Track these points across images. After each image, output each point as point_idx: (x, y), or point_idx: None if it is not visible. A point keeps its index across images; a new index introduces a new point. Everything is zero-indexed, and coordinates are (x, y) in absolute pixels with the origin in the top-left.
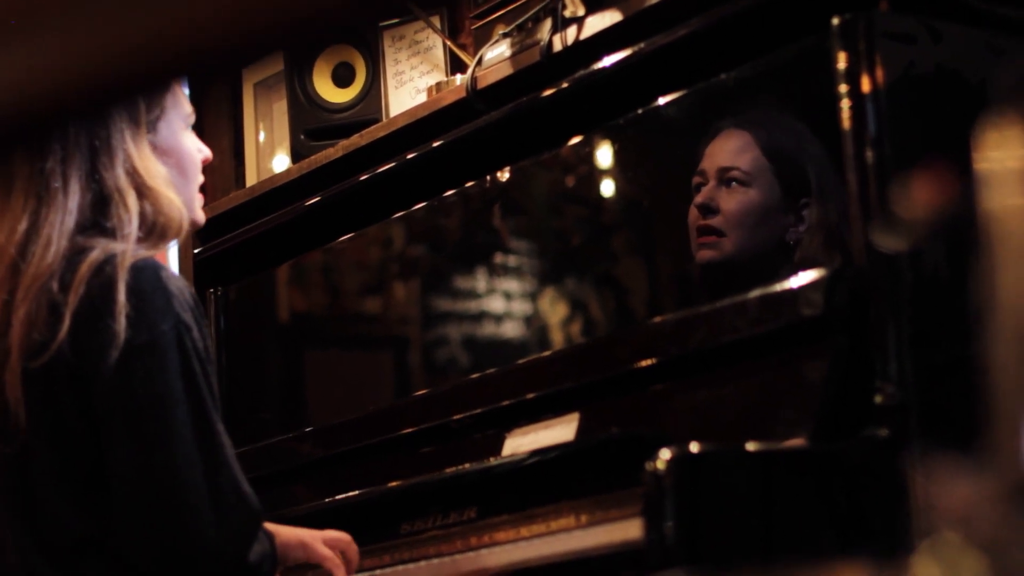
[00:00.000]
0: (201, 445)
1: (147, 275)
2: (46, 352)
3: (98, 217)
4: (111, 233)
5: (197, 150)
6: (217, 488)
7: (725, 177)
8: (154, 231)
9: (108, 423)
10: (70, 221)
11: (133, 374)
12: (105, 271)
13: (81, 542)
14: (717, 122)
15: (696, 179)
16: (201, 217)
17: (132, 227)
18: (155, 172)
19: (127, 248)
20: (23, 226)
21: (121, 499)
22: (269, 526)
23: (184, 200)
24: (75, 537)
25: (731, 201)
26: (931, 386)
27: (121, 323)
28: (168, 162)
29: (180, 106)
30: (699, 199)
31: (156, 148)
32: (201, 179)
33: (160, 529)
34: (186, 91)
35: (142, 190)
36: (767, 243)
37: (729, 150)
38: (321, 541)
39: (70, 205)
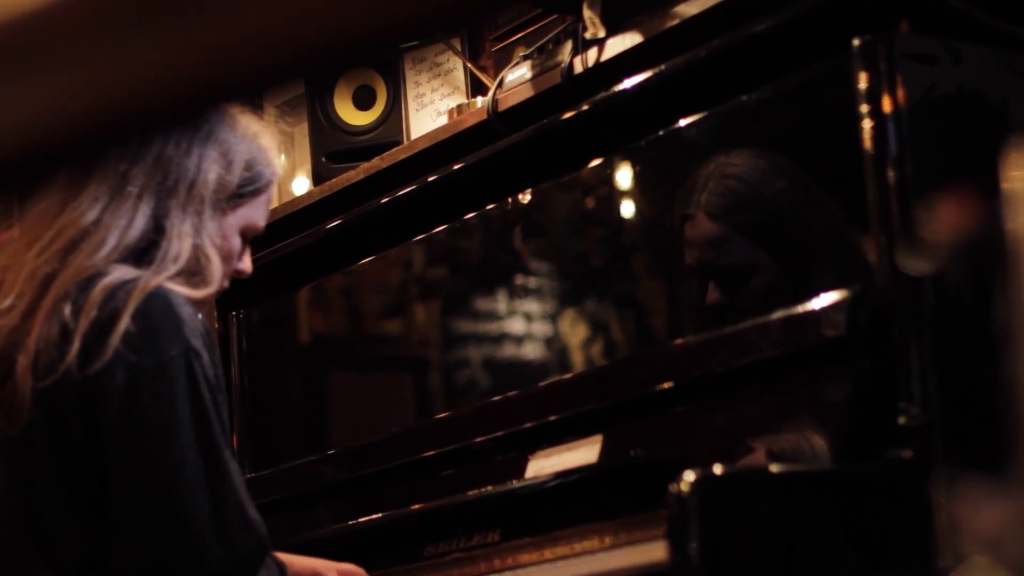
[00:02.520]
0: (207, 471)
1: (158, 301)
2: (54, 373)
3: (144, 249)
4: (145, 265)
5: (238, 258)
6: (222, 514)
7: (724, 275)
8: (184, 273)
9: (113, 445)
10: (131, 235)
11: (140, 398)
12: (117, 296)
13: (86, 563)
14: (682, 208)
15: (690, 262)
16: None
17: (175, 265)
18: (213, 233)
19: (152, 279)
20: (88, 218)
21: (122, 522)
22: (282, 556)
23: None
24: (80, 558)
25: (741, 294)
26: (955, 407)
27: (128, 347)
28: None
29: (257, 212)
30: (712, 299)
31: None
32: (225, 284)
33: (162, 554)
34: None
35: (197, 242)
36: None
37: (713, 244)
38: (335, 571)
39: (136, 221)
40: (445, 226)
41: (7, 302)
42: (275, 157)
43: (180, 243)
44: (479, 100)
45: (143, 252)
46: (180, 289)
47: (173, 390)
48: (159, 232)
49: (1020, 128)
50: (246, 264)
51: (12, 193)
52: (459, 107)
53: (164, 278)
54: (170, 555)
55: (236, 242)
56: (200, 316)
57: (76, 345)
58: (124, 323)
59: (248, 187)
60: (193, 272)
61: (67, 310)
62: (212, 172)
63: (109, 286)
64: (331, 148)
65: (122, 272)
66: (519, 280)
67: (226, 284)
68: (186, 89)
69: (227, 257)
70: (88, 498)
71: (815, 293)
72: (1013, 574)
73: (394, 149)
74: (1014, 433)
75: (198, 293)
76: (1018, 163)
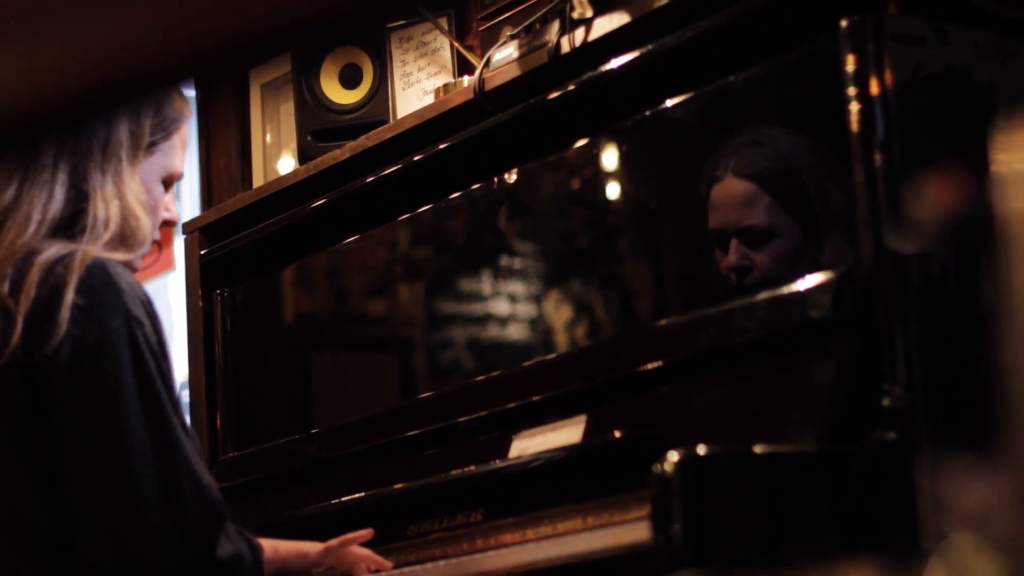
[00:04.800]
0: (155, 440)
1: (96, 272)
2: (1, 357)
3: (70, 219)
4: (77, 235)
5: (164, 207)
6: (173, 483)
7: (747, 236)
8: (117, 238)
9: (62, 421)
10: (53, 208)
11: (85, 371)
12: (55, 271)
13: (53, 541)
14: (711, 171)
15: (713, 226)
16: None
17: (107, 231)
18: (136, 190)
19: (88, 249)
20: (7, 197)
21: (75, 497)
22: (267, 541)
23: None
24: (47, 536)
25: (761, 257)
26: (940, 388)
27: (71, 321)
28: None
29: (172, 158)
30: (732, 261)
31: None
32: (157, 234)
33: (115, 526)
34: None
35: (122, 203)
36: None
37: (740, 205)
38: (322, 549)
39: (56, 192)
40: (431, 206)
41: None
42: (179, 97)
43: (106, 208)
44: (466, 79)
45: (70, 221)
46: (116, 255)
47: (117, 361)
48: (82, 199)
49: (1006, 109)
50: (173, 213)
51: None
52: (446, 86)
53: (99, 247)
54: (124, 531)
55: (159, 191)
56: (140, 284)
57: (19, 327)
58: (69, 300)
59: (159, 133)
60: (125, 236)
61: (5, 291)
62: (123, 127)
63: (46, 263)
64: (317, 126)
65: (56, 248)
66: (504, 260)
67: (157, 236)
68: (173, 60)
69: (153, 210)
70: (48, 479)
71: (827, 266)
72: (998, 552)
73: (380, 128)
74: (999, 415)
75: (133, 255)
76: (1006, 145)
